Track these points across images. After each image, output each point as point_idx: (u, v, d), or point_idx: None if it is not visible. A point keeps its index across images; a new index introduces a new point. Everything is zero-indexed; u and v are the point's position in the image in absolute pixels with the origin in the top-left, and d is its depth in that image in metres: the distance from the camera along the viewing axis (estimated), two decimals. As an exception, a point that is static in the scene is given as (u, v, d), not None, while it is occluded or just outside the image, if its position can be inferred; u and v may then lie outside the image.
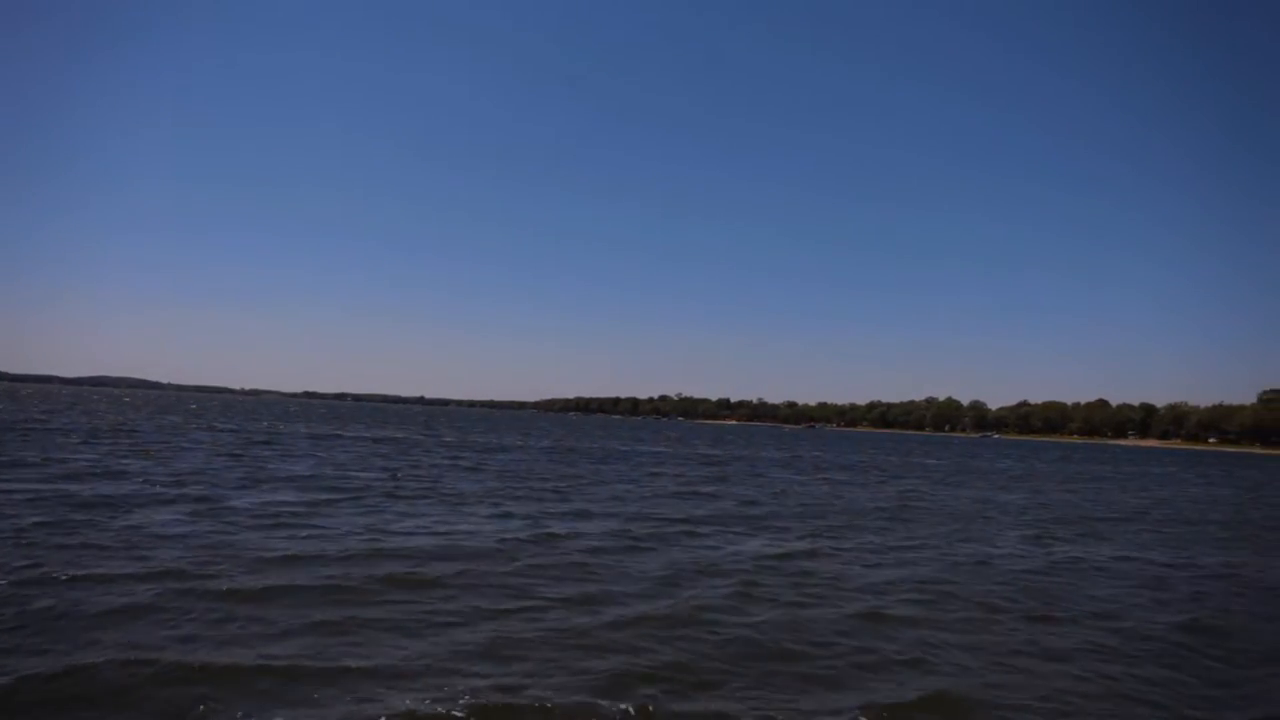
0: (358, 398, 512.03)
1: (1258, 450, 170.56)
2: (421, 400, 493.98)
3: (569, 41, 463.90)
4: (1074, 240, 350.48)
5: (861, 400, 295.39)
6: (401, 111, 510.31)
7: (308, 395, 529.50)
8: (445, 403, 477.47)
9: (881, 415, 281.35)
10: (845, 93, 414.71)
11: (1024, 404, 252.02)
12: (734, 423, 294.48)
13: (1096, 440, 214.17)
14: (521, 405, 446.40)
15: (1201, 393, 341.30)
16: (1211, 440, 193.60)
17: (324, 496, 17.76)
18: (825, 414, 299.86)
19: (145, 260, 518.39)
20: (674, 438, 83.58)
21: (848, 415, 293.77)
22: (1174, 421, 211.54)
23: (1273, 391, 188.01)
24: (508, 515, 16.35)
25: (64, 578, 8.90)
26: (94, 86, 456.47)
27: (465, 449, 40.83)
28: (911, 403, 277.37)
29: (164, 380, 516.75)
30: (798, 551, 13.79)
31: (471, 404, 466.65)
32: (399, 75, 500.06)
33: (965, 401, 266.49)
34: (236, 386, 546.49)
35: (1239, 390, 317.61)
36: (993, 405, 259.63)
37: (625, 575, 11.05)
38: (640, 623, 8.54)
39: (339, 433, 51.72)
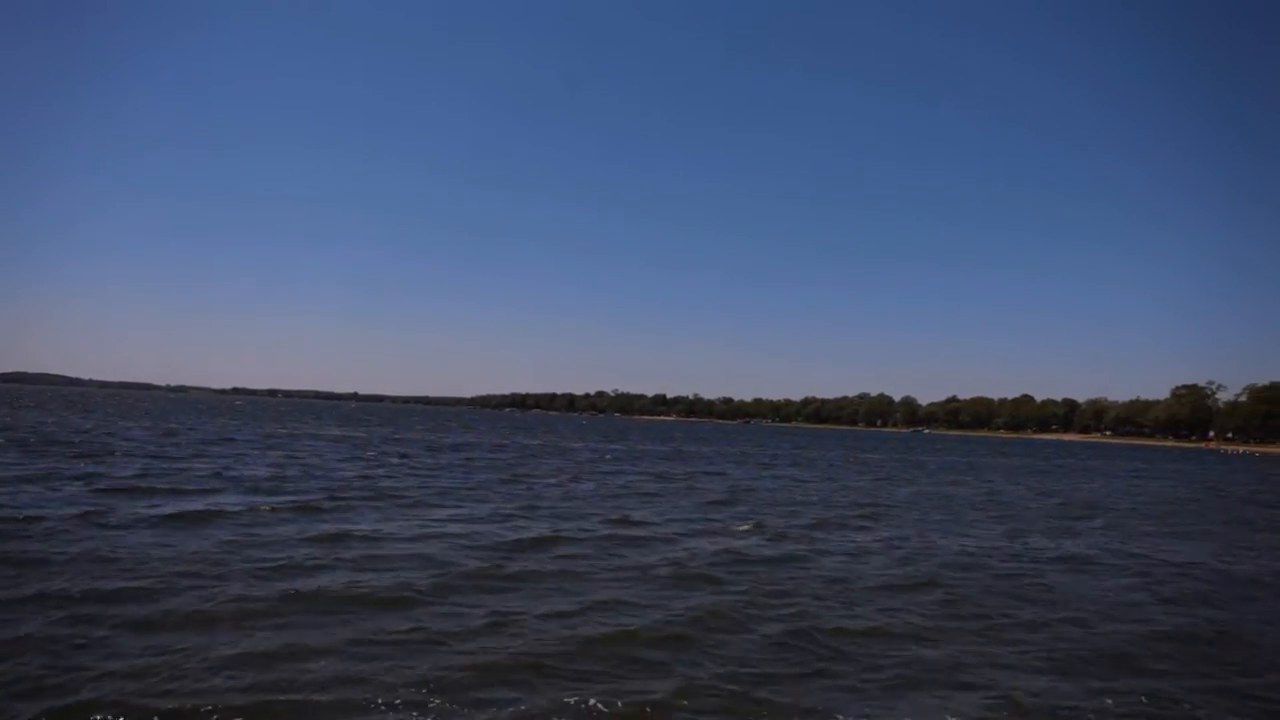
0: (289, 394, 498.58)
1: (1170, 444, 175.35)
2: (355, 396, 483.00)
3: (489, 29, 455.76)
4: (1005, 238, 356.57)
5: (795, 396, 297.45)
6: (347, 113, 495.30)
7: (236, 392, 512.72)
8: (379, 399, 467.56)
9: (815, 411, 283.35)
10: (787, 95, 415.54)
11: (953, 399, 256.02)
12: (671, 419, 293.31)
13: (1023, 435, 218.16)
14: (457, 401, 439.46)
15: (1119, 388, 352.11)
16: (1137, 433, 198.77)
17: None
18: (760, 410, 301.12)
19: (65, 253, 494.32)
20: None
21: (782, 411, 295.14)
22: (1094, 416, 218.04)
23: (1184, 387, 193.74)
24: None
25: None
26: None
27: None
28: (844, 399, 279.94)
29: (85, 377, 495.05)
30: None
31: (406, 400, 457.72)
32: (335, 78, 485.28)
33: (896, 397, 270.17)
34: (161, 383, 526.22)
35: (1155, 385, 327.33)
36: (923, 401, 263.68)
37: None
38: None
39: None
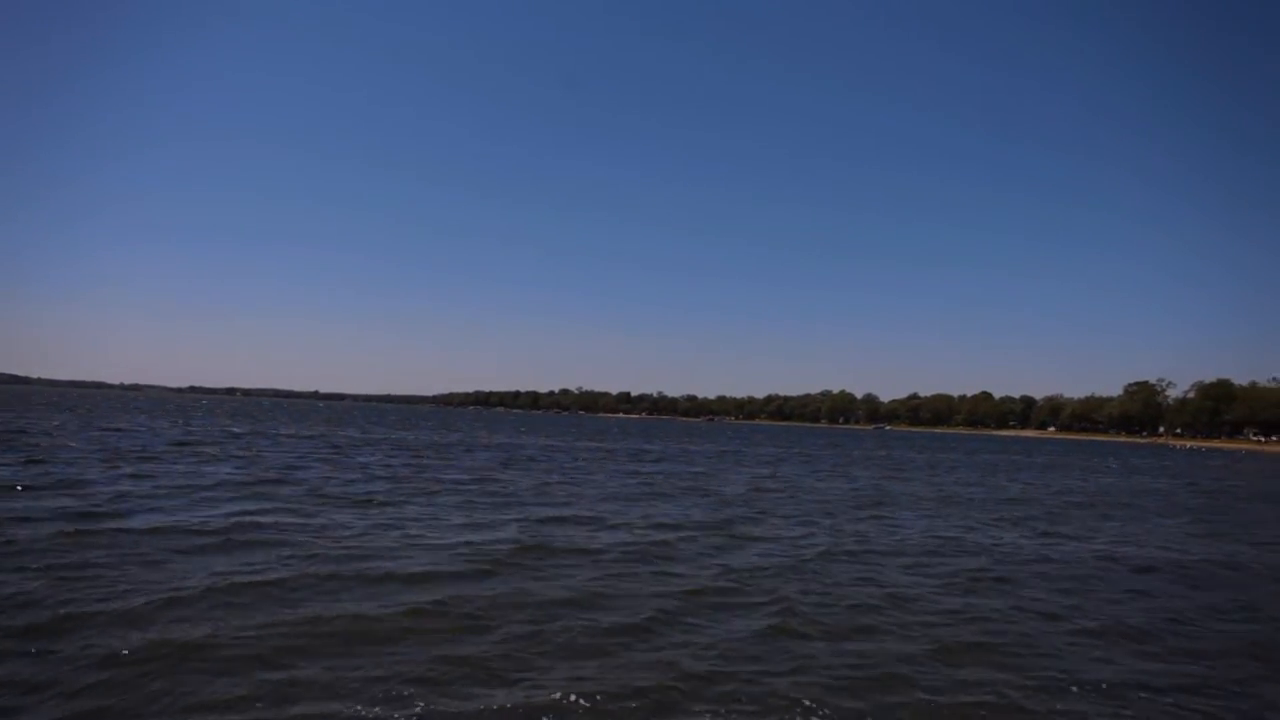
0: (248, 393, 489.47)
1: (1123, 439, 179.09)
2: (316, 395, 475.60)
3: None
4: (964, 236, 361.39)
5: (759, 393, 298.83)
6: (305, 107, 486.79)
7: (193, 390, 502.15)
8: (341, 397, 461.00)
9: (779, 408, 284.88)
10: (756, 95, 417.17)
11: (914, 397, 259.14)
12: (636, 417, 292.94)
13: (982, 431, 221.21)
14: (420, 400, 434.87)
15: (1075, 385, 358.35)
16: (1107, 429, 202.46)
17: None
18: (724, 407, 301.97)
19: (9, 248, 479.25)
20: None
21: (746, 408, 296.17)
22: (1051, 413, 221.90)
23: (1136, 384, 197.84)
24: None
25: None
26: None
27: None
28: (808, 396, 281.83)
29: (34, 375, 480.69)
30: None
31: (369, 399, 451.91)
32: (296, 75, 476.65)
33: (859, 395, 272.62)
34: (114, 381, 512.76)
35: (1109, 381, 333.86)
36: (884, 398, 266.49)
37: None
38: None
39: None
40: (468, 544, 12.85)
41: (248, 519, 14.19)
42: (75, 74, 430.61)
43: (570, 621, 8.71)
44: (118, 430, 40.84)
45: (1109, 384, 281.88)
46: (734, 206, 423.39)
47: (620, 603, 9.66)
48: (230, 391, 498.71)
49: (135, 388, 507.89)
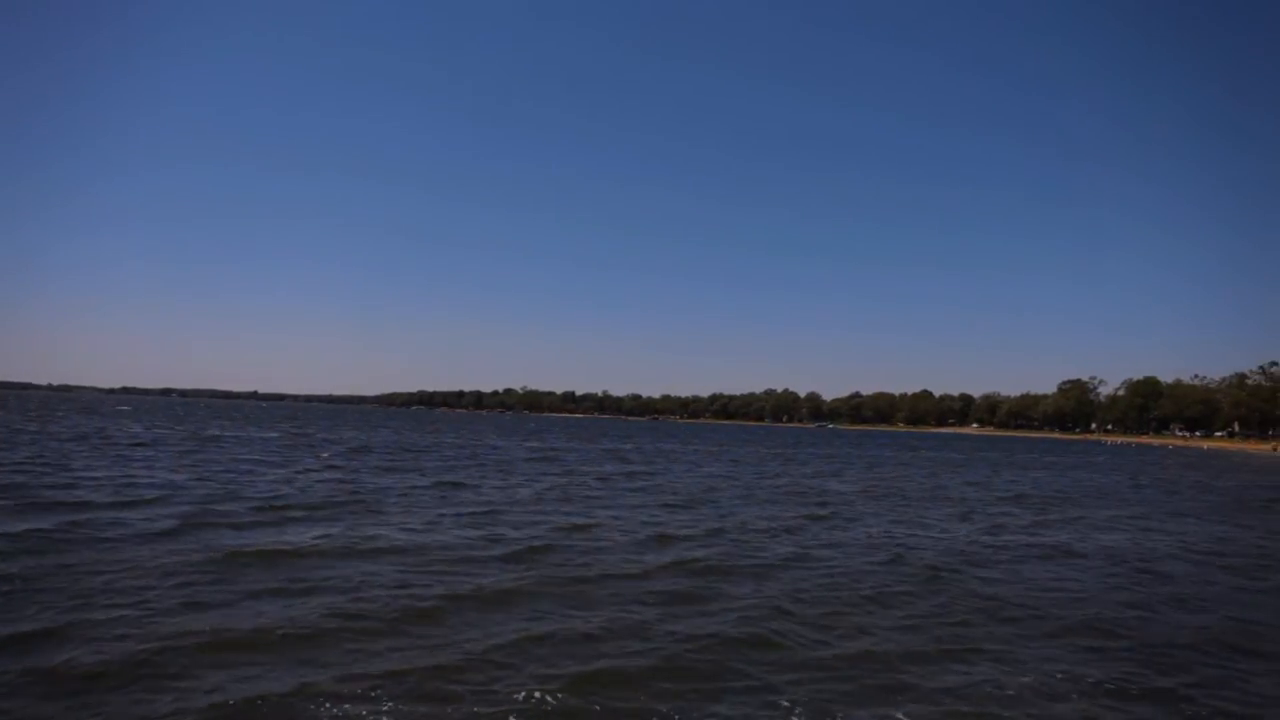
0: (184, 393, 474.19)
1: (1057, 436, 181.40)
2: (255, 395, 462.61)
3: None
4: (903, 235, 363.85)
5: (703, 392, 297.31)
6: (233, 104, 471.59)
7: (126, 391, 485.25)
8: (280, 397, 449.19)
9: (723, 407, 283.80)
10: (693, 95, 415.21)
11: (856, 395, 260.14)
12: (581, 416, 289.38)
13: (922, 428, 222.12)
14: (361, 400, 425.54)
15: (1011, 383, 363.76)
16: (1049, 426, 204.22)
17: None
18: (668, 406, 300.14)
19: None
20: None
21: (690, 407, 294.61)
22: (988, 410, 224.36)
23: (1069, 382, 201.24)
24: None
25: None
26: None
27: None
28: (751, 395, 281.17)
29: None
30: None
31: (309, 399, 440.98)
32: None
33: (802, 393, 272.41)
34: (42, 382, 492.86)
35: (1042, 380, 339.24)
36: (827, 396, 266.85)
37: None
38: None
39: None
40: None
41: None
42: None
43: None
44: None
45: (1045, 382, 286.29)
46: (676, 206, 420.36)
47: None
48: (165, 392, 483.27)
49: (65, 388, 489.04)
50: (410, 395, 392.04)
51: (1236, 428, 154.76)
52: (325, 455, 33.52)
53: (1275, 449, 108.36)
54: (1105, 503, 26.77)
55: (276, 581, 9.91)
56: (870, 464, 46.27)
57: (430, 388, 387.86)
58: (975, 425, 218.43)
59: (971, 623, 9.46)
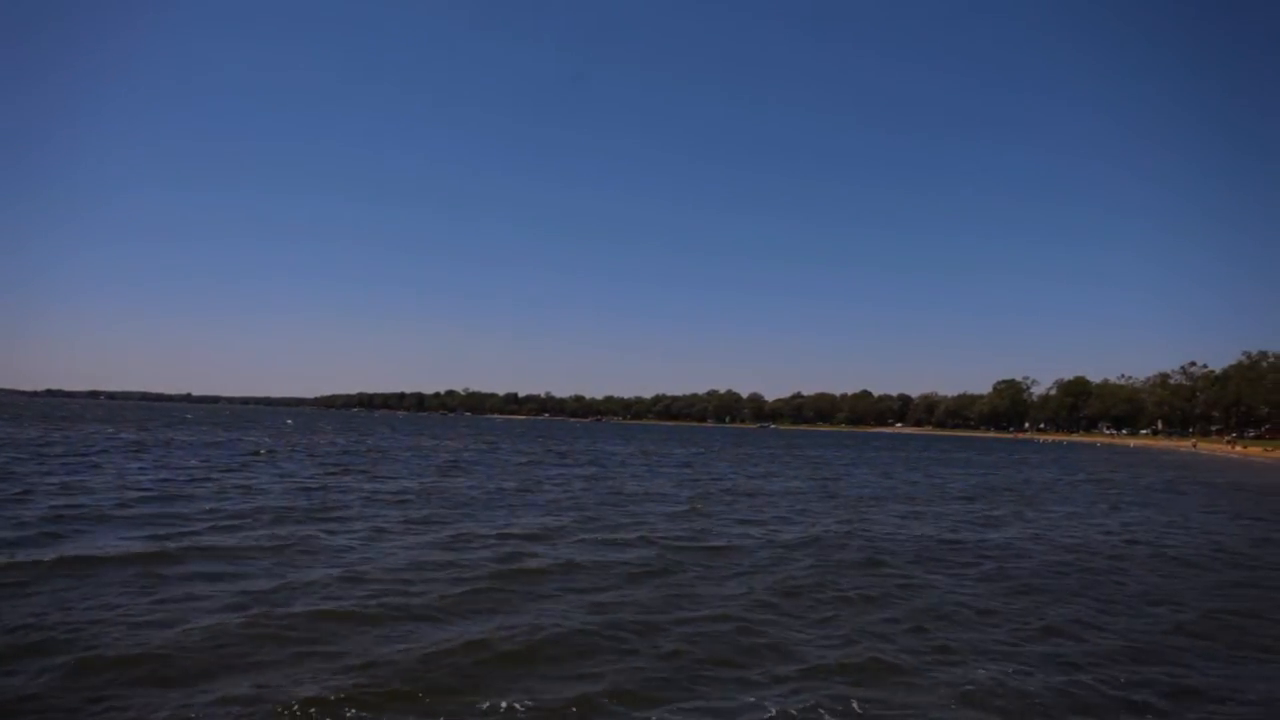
0: (112, 396, 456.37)
1: (992, 435, 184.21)
2: (189, 398, 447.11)
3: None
4: (843, 235, 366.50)
5: (645, 394, 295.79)
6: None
7: (50, 394, 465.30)
8: (214, 399, 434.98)
9: (666, 408, 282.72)
10: (632, 100, 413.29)
11: (797, 395, 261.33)
12: (524, 417, 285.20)
13: (862, 428, 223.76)
14: (300, 402, 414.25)
15: (948, 383, 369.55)
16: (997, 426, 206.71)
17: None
18: (611, 407, 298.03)
19: None
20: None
21: (633, 408, 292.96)
22: (927, 410, 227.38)
23: (1003, 382, 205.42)
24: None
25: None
26: None
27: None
28: (694, 395, 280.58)
29: None
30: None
31: (245, 401, 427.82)
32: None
33: (744, 394, 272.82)
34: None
35: (978, 380, 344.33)
36: (769, 397, 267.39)
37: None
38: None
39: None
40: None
41: None
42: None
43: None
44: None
45: (981, 383, 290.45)
46: (620, 209, 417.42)
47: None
48: (93, 394, 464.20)
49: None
50: (350, 397, 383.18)
51: (1160, 425, 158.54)
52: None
53: (1194, 446, 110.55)
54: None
55: None
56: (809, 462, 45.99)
57: (370, 390, 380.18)
58: (899, 424, 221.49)
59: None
